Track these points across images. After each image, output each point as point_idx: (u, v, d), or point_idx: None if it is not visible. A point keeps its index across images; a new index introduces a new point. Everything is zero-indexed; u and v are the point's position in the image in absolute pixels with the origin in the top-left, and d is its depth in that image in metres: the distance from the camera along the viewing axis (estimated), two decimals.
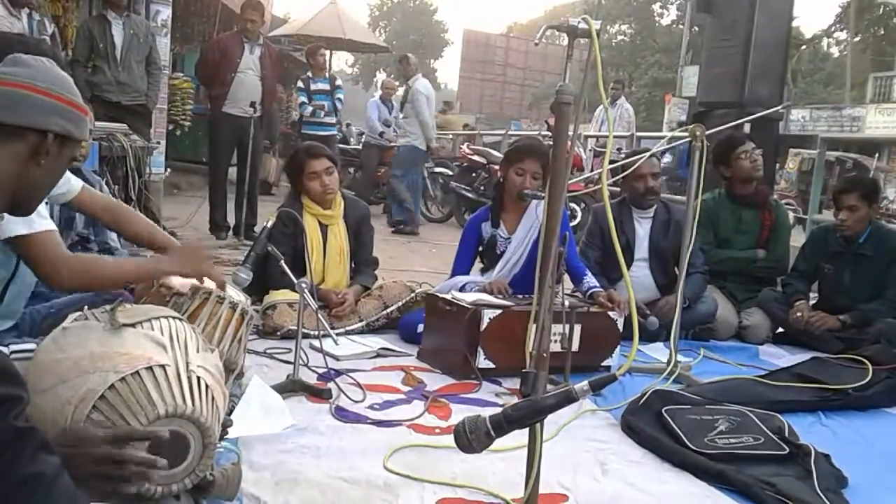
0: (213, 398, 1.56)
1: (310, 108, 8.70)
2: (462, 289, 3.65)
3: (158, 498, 1.43)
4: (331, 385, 2.87)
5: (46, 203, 2.46)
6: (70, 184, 2.53)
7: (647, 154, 3.89)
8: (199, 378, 1.55)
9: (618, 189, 4.47)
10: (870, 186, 4.36)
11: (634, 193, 4.22)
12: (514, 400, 2.78)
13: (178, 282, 2.31)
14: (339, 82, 9.20)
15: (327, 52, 9.28)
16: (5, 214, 1.90)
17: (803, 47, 34.07)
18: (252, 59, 6.57)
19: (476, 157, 10.01)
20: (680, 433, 2.53)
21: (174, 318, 1.73)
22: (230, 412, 2.19)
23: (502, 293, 3.54)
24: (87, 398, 1.43)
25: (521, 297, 3.49)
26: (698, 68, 7.87)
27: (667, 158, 13.22)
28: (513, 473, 2.15)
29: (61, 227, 3.09)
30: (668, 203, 4.36)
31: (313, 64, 9.04)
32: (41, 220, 2.07)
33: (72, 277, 2.12)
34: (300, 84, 9.02)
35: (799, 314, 4.23)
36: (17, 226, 2.03)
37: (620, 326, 3.43)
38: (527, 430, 1.66)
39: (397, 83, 12.11)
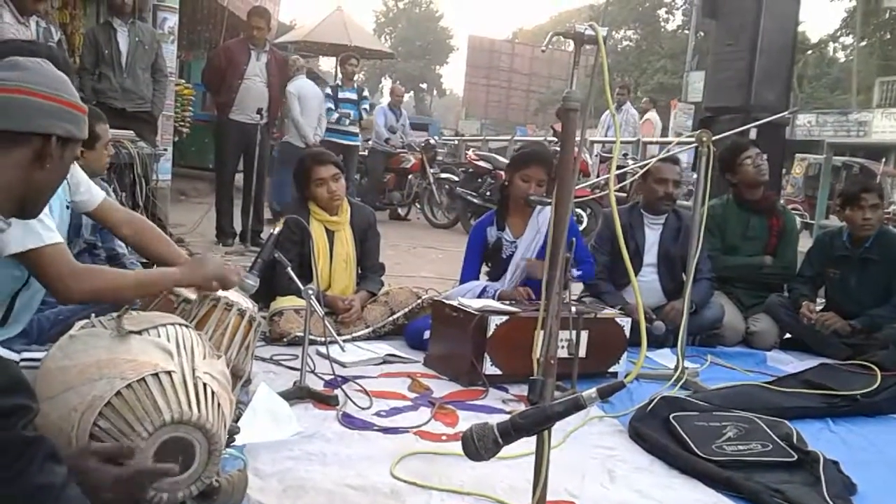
0: (218, 405, 1.56)
1: (335, 115, 8.77)
2: (482, 293, 3.65)
3: None
4: (337, 392, 2.86)
5: (68, 207, 2.47)
6: (91, 192, 2.53)
7: (659, 157, 3.89)
8: (205, 385, 1.55)
9: (624, 195, 4.46)
10: (882, 187, 4.41)
11: (652, 196, 4.20)
12: (521, 407, 2.78)
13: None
14: (366, 93, 9.25)
15: (357, 62, 9.36)
16: (12, 227, 1.90)
17: (809, 52, 34.06)
18: (259, 65, 6.59)
19: (482, 163, 10.02)
20: (688, 440, 2.52)
21: (180, 324, 1.73)
22: (237, 419, 2.19)
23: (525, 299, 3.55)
24: (94, 405, 1.43)
25: (529, 302, 3.49)
26: (704, 73, 7.86)
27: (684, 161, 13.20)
28: (520, 480, 2.15)
29: (69, 234, 3.10)
30: (679, 210, 4.34)
31: (343, 73, 9.13)
32: (49, 234, 2.06)
33: (81, 291, 2.10)
34: (328, 91, 9.10)
35: (808, 312, 4.23)
36: (24, 241, 2.01)
37: (627, 332, 3.42)
38: (534, 437, 1.66)
39: (403, 89, 12.16)
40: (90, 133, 2.94)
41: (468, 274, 3.90)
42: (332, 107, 8.91)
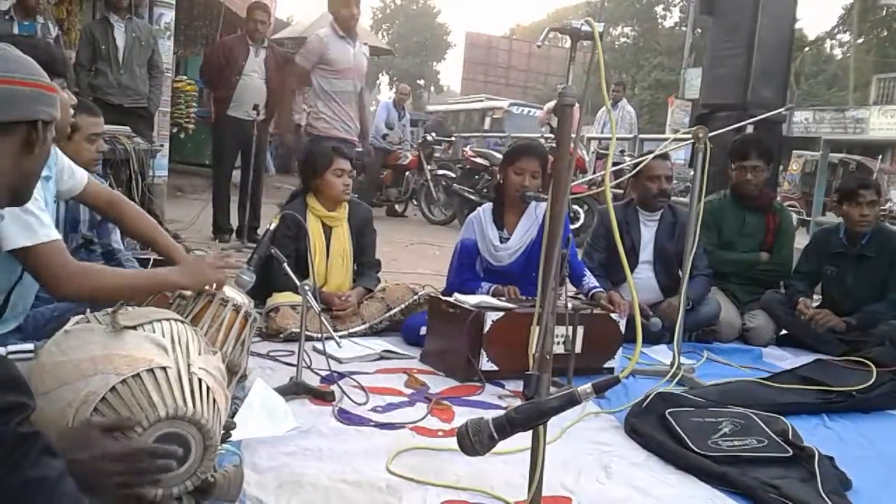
0: (214, 400, 1.56)
1: None
2: (477, 289, 3.65)
3: (160, 500, 1.43)
4: (334, 387, 2.87)
5: (55, 201, 2.46)
6: (75, 178, 2.52)
7: (653, 154, 3.89)
8: (200, 380, 1.55)
9: (621, 191, 4.46)
10: (879, 184, 4.43)
11: (646, 194, 4.21)
12: (517, 402, 2.78)
13: None
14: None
15: None
16: (6, 221, 1.89)
17: (806, 49, 34.02)
18: (257, 62, 6.57)
19: (479, 160, 10.02)
20: (683, 436, 2.52)
21: (176, 320, 1.73)
22: (233, 415, 2.19)
23: (512, 297, 3.54)
24: (89, 400, 1.43)
25: (524, 298, 3.49)
26: (701, 70, 7.87)
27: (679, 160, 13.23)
28: (516, 476, 2.15)
29: (65, 229, 3.10)
30: (674, 206, 4.35)
31: None
32: (45, 230, 2.05)
33: (77, 289, 2.10)
34: None
35: (804, 308, 4.24)
36: (19, 237, 2.01)
37: (623, 328, 3.43)
38: (530, 432, 1.66)
39: (409, 88, 12.20)
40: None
41: (462, 279, 3.81)
42: None
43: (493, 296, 3.57)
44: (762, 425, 2.63)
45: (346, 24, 5.47)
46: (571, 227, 5.38)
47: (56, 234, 2.10)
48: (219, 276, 2.34)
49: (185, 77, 10.62)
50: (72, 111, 2.45)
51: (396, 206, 10.98)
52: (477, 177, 9.86)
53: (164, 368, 1.51)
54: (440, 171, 10.48)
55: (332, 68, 5.45)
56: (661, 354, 3.78)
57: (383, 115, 10.49)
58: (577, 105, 1.78)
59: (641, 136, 9.66)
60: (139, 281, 2.28)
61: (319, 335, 3.15)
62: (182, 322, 1.75)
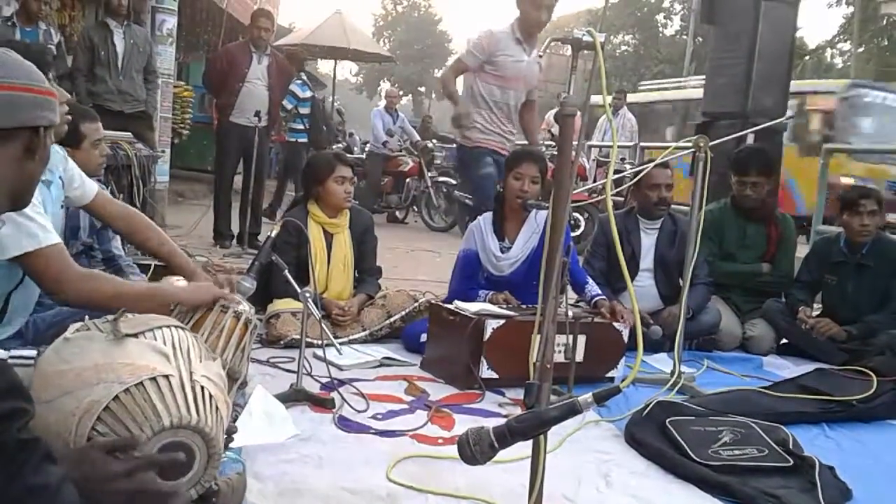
0: (216, 408, 1.55)
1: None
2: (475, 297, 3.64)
3: None
4: (334, 395, 2.87)
5: (62, 207, 2.47)
6: (84, 187, 2.52)
7: (652, 163, 3.89)
8: (202, 388, 1.54)
9: (622, 199, 4.46)
10: (880, 194, 4.42)
11: (646, 203, 4.21)
12: (518, 410, 2.78)
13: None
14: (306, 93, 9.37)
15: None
16: (5, 227, 1.89)
17: (807, 58, 34.06)
18: (260, 69, 6.58)
19: None
20: (684, 445, 2.52)
21: (176, 327, 1.72)
22: (233, 421, 2.19)
23: (508, 303, 3.54)
24: (92, 410, 1.42)
25: (524, 307, 3.49)
26: (702, 79, 7.86)
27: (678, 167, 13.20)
28: (516, 485, 2.15)
29: (66, 236, 3.10)
30: (675, 215, 4.35)
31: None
32: (46, 234, 2.05)
33: (77, 294, 2.10)
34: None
35: (805, 317, 4.24)
36: (21, 243, 2.01)
37: (626, 338, 3.42)
38: (530, 441, 1.66)
39: (401, 92, 12.25)
40: (75, 132, 2.95)
41: (463, 289, 3.82)
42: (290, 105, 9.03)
43: (490, 303, 3.58)
44: (762, 434, 2.63)
45: (530, 29, 4.69)
46: (572, 234, 5.37)
47: (57, 238, 2.11)
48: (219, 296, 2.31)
49: (182, 83, 10.65)
50: (65, 108, 2.45)
51: (397, 213, 10.97)
52: None
53: (166, 377, 1.50)
54: (441, 178, 10.48)
55: (497, 73, 4.69)
56: (662, 363, 3.77)
57: (378, 122, 10.54)
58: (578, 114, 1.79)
59: (642, 143, 9.65)
60: (140, 291, 2.27)
61: (320, 342, 3.16)
62: (183, 329, 1.74)
